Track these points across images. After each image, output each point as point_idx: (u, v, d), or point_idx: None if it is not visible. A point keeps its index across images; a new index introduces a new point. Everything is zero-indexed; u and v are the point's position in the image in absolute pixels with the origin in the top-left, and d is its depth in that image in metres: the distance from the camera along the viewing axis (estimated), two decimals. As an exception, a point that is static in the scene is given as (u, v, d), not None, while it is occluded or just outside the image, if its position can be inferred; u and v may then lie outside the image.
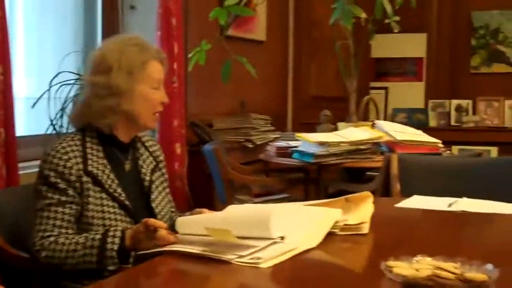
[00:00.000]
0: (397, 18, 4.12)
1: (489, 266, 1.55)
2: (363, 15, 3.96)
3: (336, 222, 1.98)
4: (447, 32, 5.96)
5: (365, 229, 2.02)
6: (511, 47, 5.83)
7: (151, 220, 1.85)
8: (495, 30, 5.85)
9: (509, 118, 5.77)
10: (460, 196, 2.63)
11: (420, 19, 5.77)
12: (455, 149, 5.39)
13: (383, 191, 3.20)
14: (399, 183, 3.09)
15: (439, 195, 2.69)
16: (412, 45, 5.96)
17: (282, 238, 1.78)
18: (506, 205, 2.51)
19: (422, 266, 1.57)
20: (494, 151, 5.59)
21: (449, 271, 1.52)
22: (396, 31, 4.10)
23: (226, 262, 1.63)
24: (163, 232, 1.81)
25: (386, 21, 4.09)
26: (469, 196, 2.63)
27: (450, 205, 2.49)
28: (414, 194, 2.73)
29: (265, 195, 4.29)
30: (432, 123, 5.88)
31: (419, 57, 5.99)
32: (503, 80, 5.86)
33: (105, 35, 3.85)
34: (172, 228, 1.89)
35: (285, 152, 3.89)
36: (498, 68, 5.89)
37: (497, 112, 5.79)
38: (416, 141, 3.64)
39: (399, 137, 3.62)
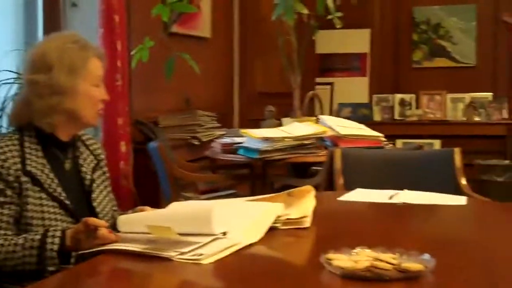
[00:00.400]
0: (339, 14, 4.16)
1: (426, 256, 1.59)
2: (305, 11, 3.99)
3: (278, 216, 2.00)
4: (390, 28, 6.06)
5: (307, 223, 2.04)
6: (452, 41, 5.95)
7: (91, 219, 1.84)
8: (436, 25, 5.96)
9: (451, 111, 5.89)
10: (402, 188, 2.68)
11: (363, 15, 5.85)
12: (399, 142, 5.49)
13: (327, 185, 3.24)
14: (342, 177, 3.14)
15: (382, 188, 2.73)
16: (356, 41, 6.03)
17: (224, 233, 1.79)
18: (445, 196, 2.57)
19: (361, 258, 1.60)
20: (437, 144, 5.70)
21: (387, 262, 1.56)
22: (338, 27, 4.14)
23: (168, 259, 1.63)
24: (103, 231, 1.80)
25: (329, 17, 4.13)
26: (410, 188, 2.68)
27: (391, 197, 2.53)
28: (357, 187, 2.77)
29: (211, 192, 4.29)
30: (377, 117, 5.96)
31: (363, 53, 6.07)
32: (444, 74, 5.99)
33: (46, 33, 3.79)
34: (114, 227, 1.88)
35: (230, 149, 3.90)
36: (440, 62, 6.01)
37: (439, 106, 5.91)
38: (359, 135, 3.69)
39: (343, 131, 3.66)
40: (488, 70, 5.87)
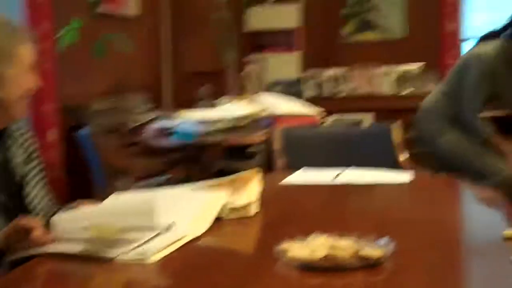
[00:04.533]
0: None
1: (384, 240, 1.52)
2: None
3: (224, 205, 1.91)
4: (319, 2, 6.00)
5: (253, 210, 1.96)
6: (381, 14, 5.94)
7: (23, 221, 1.69)
8: (365, -2, 5.95)
9: (382, 85, 5.90)
10: (344, 166, 2.63)
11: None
12: (330, 118, 5.46)
13: (267, 167, 3.16)
14: (283, 157, 3.07)
15: (324, 166, 2.68)
16: (287, 16, 5.94)
17: (168, 227, 1.68)
18: (389, 173, 2.53)
19: (317, 246, 1.52)
20: (369, 118, 5.70)
21: (345, 249, 1.48)
22: (269, 1, 4.05)
23: (109, 260, 1.51)
24: (38, 233, 1.66)
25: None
26: (352, 165, 2.64)
27: (336, 176, 2.48)
28: (298, 168, 2.71)
29: (146, 178, 4.16)
30: (309, 93, 5.91)
31: (293, 28, 5.99)
32: (374, 47, 5.98)
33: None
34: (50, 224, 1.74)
35: (165, 132, 3.78)
36: (370, 35, 6.00)
37: (370, 80, 5.91)
38: (297, 113, 3.63)
39: (280, 110, 3.60)
40: (416, 42, 5.89)
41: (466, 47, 5.72)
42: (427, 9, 5.80)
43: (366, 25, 5.99)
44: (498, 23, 3.37)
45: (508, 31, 3.19)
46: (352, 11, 5.99)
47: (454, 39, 5.67)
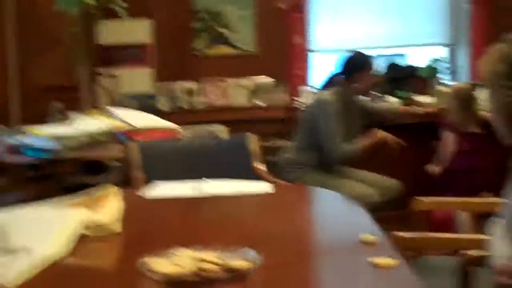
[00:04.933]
0: (124, 4, 4.02)
1: (251, 252, 1.54)
2: (90, 1, 3.80)
3: (86, 223, 1.86)
4: (171, 17, 5.99)
5: (117, 226, 1.92)
6: (232, 29, 6.04)
7: None
8: (216, 13, 6.01)
9: (235, 97, 5.99)
10: (203, 177, 2.64)
11: (144, 4, 5.72)
12: (187, 131, 5.46)
13: (125, 181, 3.11)
14: (141, 171, 3.03)
15: (184, 179, 2.68)
16: (139, 31, 5.89)
17: (27, 249, 1.61)
18: (250, 183, 2.57)
19: (183, 260, 1.52)
20: (224, 130, 5.76)
21: (212, 263, 1.49)
22: (121, 16, 4.00)
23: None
24: None
25: (112, 6, 3.97)
26: (211, 176, 2.66)
27: (198, 189, 2.48)
28: (158, 181, 2.68)
29: (-4, 197, 3.95)
30: (162, 107, 5.88)
31: (146, 43, 5.94)
32: (226, 61, 6.06)
33: None
34: None
35: (14, 149, 3.61)
36: (222, 49, 6.07)
37: (224, 92, 5.98)
38: (154, 127, 3.60)
39: (137, 124, 3.55)
40: (267, 56, 6.04)
41: (313, 59, 5.94)
42: (275, 24, 5.96)
43: (218, 40, 6.06)
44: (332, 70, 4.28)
45: (341, 79, 4.02)
46: (204, 26, 6.04)
47: (302, 52, 5.87)
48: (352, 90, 3.99)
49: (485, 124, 4.32)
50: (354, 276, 1.49)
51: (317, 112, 3.93)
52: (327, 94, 3.95)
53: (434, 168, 4.37)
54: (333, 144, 3.82)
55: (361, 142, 3.88)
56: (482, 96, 4.87)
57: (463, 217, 4.15)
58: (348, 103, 3.99)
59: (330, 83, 4.17)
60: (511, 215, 1.69)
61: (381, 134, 3.91)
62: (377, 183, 3.93)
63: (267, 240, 1.81)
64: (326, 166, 3.97)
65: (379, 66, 5.70)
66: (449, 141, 4.31)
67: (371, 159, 4.49)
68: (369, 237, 1.65)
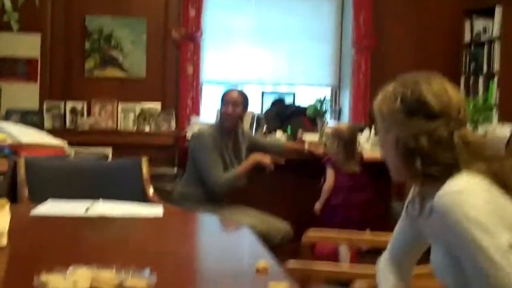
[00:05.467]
0: (15, 16, 3.92)
1: (146, 271, 1.56)
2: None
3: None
4: (62, 34, 5.88)
5: (3, 241, 1.87)
6: (123, 52, 6.00)
7: None
8: (108, 35, 5.96)
9: (123, 121, 5.94)
10: (92, 199, 2.61)
11: (36, 19, 5.60)
12: (72, 150, 5.35)
13: (10, 197, 3.01)
14: (26, 187, 2.96)
15: (71, 199, 2.64)
16: (26, 45, 5.75)
17: None
18: (140, 206, 2.57)
19: (79, 277, 1.51)
20: (109, 152, 5.69)
21: (108, 281, 1.49)
22: (15, 29, 3.90)
23: None
24: None
25: (5, 19, 3.86)
26: (100, 198, 2.63)
27: (87, 209, 2.45)
28: (44, 199, 2.63)
29: None
30: (47, 124, 5.74)
31: (33, 58, 5.80)
32: (116, 83, 6.00)
33: None
34: None
35: None
36: (112, 72, 6.01)
37: (111, 115, 5.92)
38: (41, 143, 3.52)
39: (24, 139, 3.46)
40: (157, 82, 6.03)
41: (203, 89, 6.01)
42: (167, 51, 5.99)
43: (108, 61, 6.00)
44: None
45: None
46: (95, 47, 5.97)
47: (192, 82, 5.92)
48: (221, 123, 4.13)
49: (362, 162, 4.53)
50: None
51: (194, 145, 4.04)
52: (205, 128, 4.10)
53: (317, 205, 4.52)
54: (213, 175, 3.89)
55: (239, 168, 3.99)
56: (362, 137, 5.11)
57: (344, 251, 4.31)
58: (228, 136, 4.11)
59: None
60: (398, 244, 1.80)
61: (255, 156, 4.04)
62: (269, 223, 4.00)
63: (160, 260, 1.83)
64: (215, 198, 4.02)
65: (266, 103, 5.89)
66: (329, 177, 4.47)
67: (261, 199, 4.61)
68: (263, 263, 1.70)
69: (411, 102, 1.56)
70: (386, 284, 1.73)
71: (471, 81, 5.87)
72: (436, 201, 1.47)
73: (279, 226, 4.04)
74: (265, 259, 1.73)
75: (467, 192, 1.45)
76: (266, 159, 4.02)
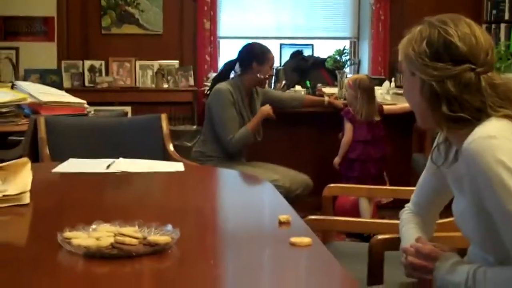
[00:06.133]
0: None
1: (169, 227, 1.56)
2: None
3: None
4: (79, -9, 5.85)
5: (27, 198, 1.88)
6: (139, 8, 5.95)
7: None
8: (124, -9, 5.92)
9: (141, 78, 5.93)
10: (113, 157, 2.61)
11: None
12: (91, 109, 5.37)
13: (32, 156, 3.03)
14: (48, 146, 2.96)
15: (92, 157, 2.64)
16: (42, 4, 5.72)
17: None
18: (161, 163, 2.57)
19: (102, 234, 1.52)
20: (128, 110, 5.70)
21: (131, 236, 1.49)
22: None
23: None
24: None
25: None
26: (121, 156, 2.63)
27: (108, 166, 2.46)
28: (65, 157, 2.63)
29: None
30: (66, 84, 5.75)
31: (49, 16, 5.78)
32: (133, 41, 5.97)
33: None
34: None
35: None
36: (128, 29, 5.98)
37: (129, 73, 5.91)
38: (61, 102, 3.51)
39: (44, 98, 3.45)
40: (174, 39, 6.01)
41: (220, 45, 5.96)
42: (184, 7, 5.94)
43: (125, 18, 5.96)
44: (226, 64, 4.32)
45: (237, 70, 4.13)
46: (111, 4, 5.93)
47: (209, 37, 5.88)
48: (249, 81, 4.02)
49: (381, 113, 4.49)
50: (272, 253, 1.53)
51: (213, 102, 3.96)
52: (224, 85, 3.96)
53: (336, 159, 4.51)
54: (227, 132, 3.85)
55: (250, 124, 3.94)
56: (382, 88, 5.06)
57: (364, 204, 4.32)
58: (246, 93, 4.05)
59: (227, 71, 4.21)
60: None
61: (263, 111, 4.00)
62: (290, 176, 4.00)
63: (183, 216, 1.83)
64: (234, 155, 4.01)
65: (285, 55, 5.83)
66: (348, 131, 4.44)
67: (281, 153, 4.61)
68: (284, 216, 1.69)
69: (438, 44, 1.51)
70: (409, 235, 1.72)
71: (492, 29, 5.76)
72: (465, 147, 1.44)
73: (300, 178, 4.04)
74: (287, 213, 1.73)
75: (498, 136, 1.41)
76: (271, 112, 3.99)
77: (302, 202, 3.77)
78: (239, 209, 1.93)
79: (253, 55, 4.01)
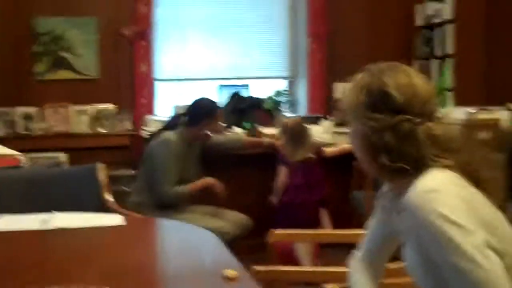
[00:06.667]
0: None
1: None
2: None
3: None
4: (9, 39, 5.73)
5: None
6: (74, 53, 5.87)
7: None
8: (58, 36, 5.82)
9: (76, 124, 5.81)
10: (48, 210, 2.52)
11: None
12: (26, 157, 5.22)
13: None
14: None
15: (27, 211, 2.54)
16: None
17: None
18: (99, 216, 2.49)
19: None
20: (64, 157, 5.57)
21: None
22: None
23: None
24: None
25: None
26: (57, 209, 2.55)
27: (44, 222, 2.36)
28: (-1, 212, 2.53)
29: None
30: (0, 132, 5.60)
31: (-20, 64, 5.64)
32: (68, 86, 5.87)
33: None
34: None
35: None
36: (64, 74, 5.88)
37: (64, 118, 5.79)
38: (-7, 155, 3.40)
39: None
40: (110, 82, 5.92)
41: (157, 87, 5.91)
42: (119, 51, 5.88)
43: (60, 64, 5.86)
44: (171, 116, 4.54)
45: (185, 121, 4.09)
46: (45, 49, 5.82)
47: (146, 80, 5.83)
48: (194, 134, 4.07)
49: (320, 156, 4.50)
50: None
51: (159, 151, 3.95)
52: (171, 135, 3.99)
53: (273, 199, 4.49)
54: (165, 184, 3.85)
55: (191, 186, 3.96)
56: (315, 129, 5.08)
57: (304, 248, 4.28)
58: (189, 146, 4.08)
59: (175, 124, 4.21)
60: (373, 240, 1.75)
61: (208, 180, 4.04)
62: (231, 219, 4.00)
63: (124, 276, 1.75)
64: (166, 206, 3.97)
65: (223, 97, 5.81)
66: (281, 174, 4.44)
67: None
68: (231, 272, 1.65)
69: (375, 94, 1.50)
70: (360, 287, 1.69)
71: (424, 66, 5.89)
72: (407, 200, 1.43)
73: (240, 220, 4.05)
74: (233, 266, 1.68)
75: (439, 189, 1.40)
76: (218, 186, 4.04)
77: (241, 244, 3.74)
78: (183, 266, 1.87)
79: (204, 111, 4.07)
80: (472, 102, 4.99)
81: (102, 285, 1.50)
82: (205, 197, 4.23)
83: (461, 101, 5.28)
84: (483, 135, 4.45)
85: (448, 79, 5.63)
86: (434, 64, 5.85)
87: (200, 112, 4.05)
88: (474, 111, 4.67)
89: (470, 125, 4.46)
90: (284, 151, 4.43)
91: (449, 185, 1.42)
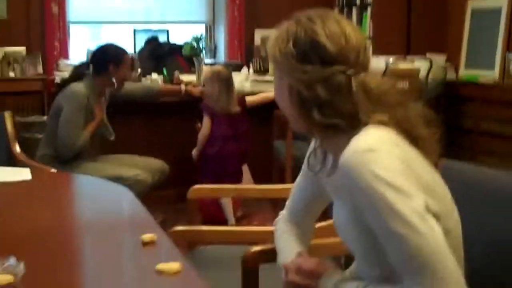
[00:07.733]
0: None
1: (12, 260, 1.34)
2: None
3: None
4: None
5: None
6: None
7: None
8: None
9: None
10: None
11: None
12: None
13: None
14: None
15: None
16: None
17: None
18: (5, 170, 2.33)
19: None
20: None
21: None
22: None
23: None
24: None
25: None
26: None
27: None
28: None
29: None
30: None
31: None
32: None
33: None
34: None
35: None
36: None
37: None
38: None
39: None
40: (20, 24, 5.61)
41: (71, 30, 5.65)
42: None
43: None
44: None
45: (91, 71, 3.88)
46: None
47: (58, 22, 5.54)
48: (103, 84, 3.87)
49: (243, 105, 4.40)
50: (137, 285, 1.37)
51: (67, 104, 3.74)
52: (80, 87, 3.78)
53: (194, 152, 4.37)
54: (71, 138, 3.69)
55: (88, 129, 3.78)
56: (240, 75, 4.97)
57: (226, 201, 4.22)
58: (100, 96, 3.91)
59: (79, 75, 3.97)
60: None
61: (100, 114, 3.88)
62: (147, 166, 3.87)
63: (31, 242, 1.61)
64: (79, 155, 3.82)
65: (139, 42, 5.60)
66: (205, 125, 4.30)
67: (138, 145, 4.45)
68: (148, 236, 1.54)
69: (305, 44, 1.38)
70: (289, 249, 1.61)
71: (345, 13, 5.82)
72: (342, 161, 1.32)
73: (156, 166, 3.97)
74: (151, 229, 1.58)
75: (376, 149, 1.30)
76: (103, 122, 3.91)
77: (161, 195, 3.67)
78: (97, 228, 1.74)
79: (109, 57, 3.85)
80: (391, 52, 4.98)
81: (6, 254, 1.36)
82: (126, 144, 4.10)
83: (380, 51, 5.25)
84: (402, 84, 4.44)
85: (367, 27, 5.59)
86: (354, 12, 5.79)
87: (104, 59, 3.84)
88: (394, 60, 4.65)
89: (390, 75, 4.45)
90: (212, 101, 4.27)
91: (387, 145, 1.32)
